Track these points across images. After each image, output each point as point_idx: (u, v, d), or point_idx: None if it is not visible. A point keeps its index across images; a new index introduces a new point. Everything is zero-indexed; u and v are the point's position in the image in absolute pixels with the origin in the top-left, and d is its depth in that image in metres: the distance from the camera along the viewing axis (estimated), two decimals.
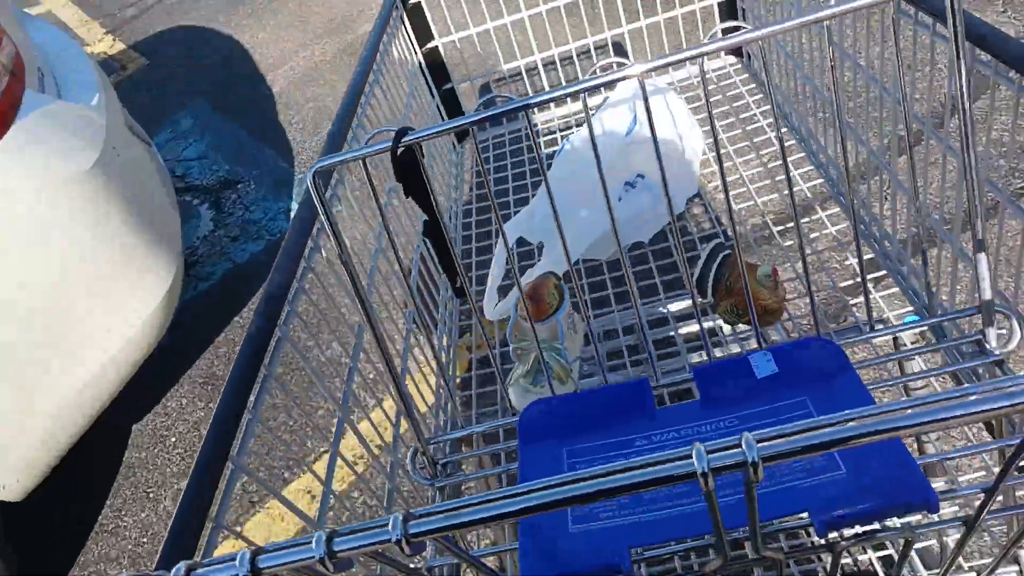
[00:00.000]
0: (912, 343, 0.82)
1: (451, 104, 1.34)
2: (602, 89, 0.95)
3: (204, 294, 2.34)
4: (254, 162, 2.79)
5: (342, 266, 0.60)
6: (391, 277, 0.81)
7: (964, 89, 0.53)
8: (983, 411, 0.26)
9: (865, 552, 0.84)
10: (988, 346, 0.62)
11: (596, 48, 2.46)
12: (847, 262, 1.59)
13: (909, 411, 0.27)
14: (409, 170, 0.61)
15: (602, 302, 0.99)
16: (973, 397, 0.26)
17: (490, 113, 0.58)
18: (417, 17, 1.23)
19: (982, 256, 0.59)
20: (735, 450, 0.27)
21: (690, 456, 0.27)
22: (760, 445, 0.27)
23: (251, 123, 3.00)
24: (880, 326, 0.69)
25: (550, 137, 1.31)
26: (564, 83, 0.66)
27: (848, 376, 0.56)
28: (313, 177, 0.59)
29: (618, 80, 0.56)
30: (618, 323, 0.97)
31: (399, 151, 0.59)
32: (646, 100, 0.60)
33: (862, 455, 0.50)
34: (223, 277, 2.38)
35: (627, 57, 1.22)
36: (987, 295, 0.60)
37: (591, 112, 0.73)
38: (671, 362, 0.90)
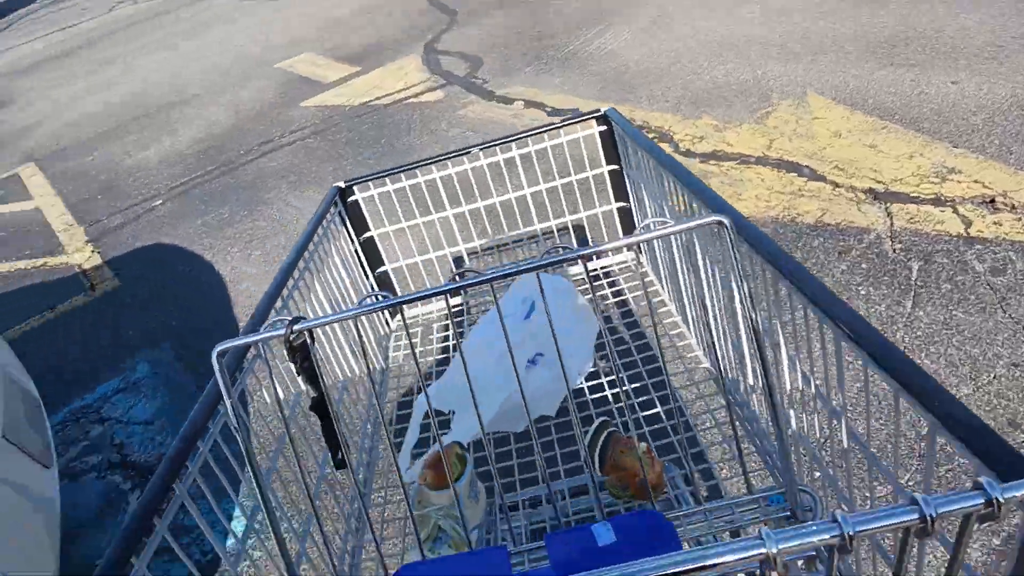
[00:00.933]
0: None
1: (385, 285, 1.54)
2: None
3: None
4: None
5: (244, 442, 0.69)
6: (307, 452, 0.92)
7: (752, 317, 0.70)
8: (738, 559, 0.37)
9: None
10: (792, 520, 0.78)
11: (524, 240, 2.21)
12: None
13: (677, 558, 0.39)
14: (301, 354, 0.71)
15: (507, 471, 1.07)
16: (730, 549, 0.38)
17: (374, 307, 0.69)
18: (354, 211, 1.45)
19: (783, 443, 0.74)
20: None
21: None
22: None
23: None
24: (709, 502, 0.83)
25: (462, 318, 1.54)
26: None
27: (673, 547, 0.66)
28: (217, 357, 0.68)
29: (472, 285, 0.68)
30: (519, 497, 1.05)
31: (292, 337, 0.69)
32: (543, 291, 0.77)
33: None
34: None
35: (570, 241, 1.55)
36: (788, 476, 0.75)
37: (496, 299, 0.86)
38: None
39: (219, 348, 0.68)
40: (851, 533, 0.36)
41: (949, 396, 0.52)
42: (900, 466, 1.67)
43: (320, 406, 0.76)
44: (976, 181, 2.59)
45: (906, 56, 3.50)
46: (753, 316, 0.70)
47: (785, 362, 0.83)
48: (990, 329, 2.02)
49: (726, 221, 0.67)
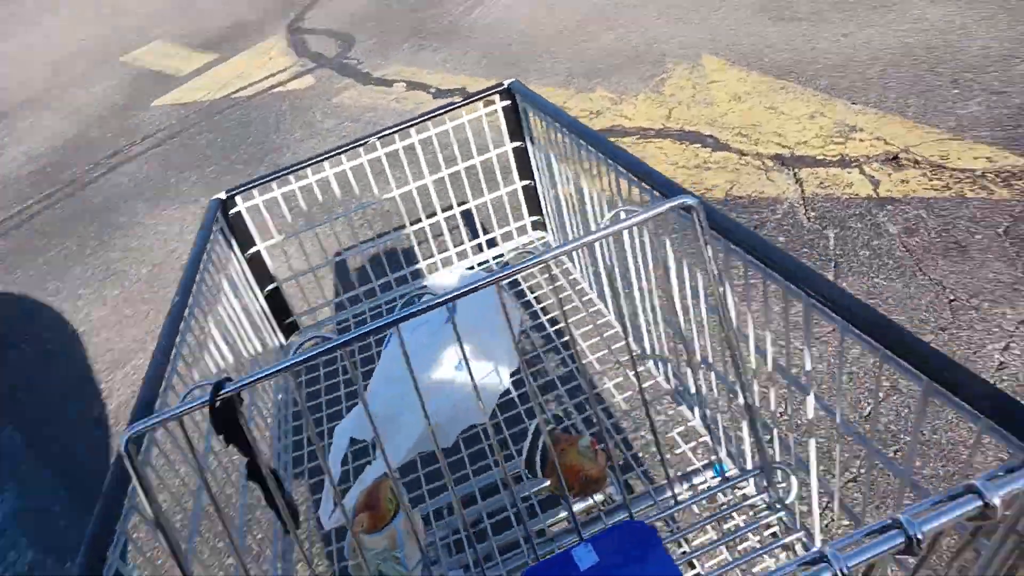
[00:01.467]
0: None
1: (277, 304, 1.38)
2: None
3: None
4: (66, 554, 1.95)
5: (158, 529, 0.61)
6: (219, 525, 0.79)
7: (715, 271, 0.68)
8: None
9: None
10: (770, 500, 0.78)
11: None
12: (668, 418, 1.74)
13: None
14: (229, 421, 0.62)
15: (414, 484, 1.06)
16: None
17: (306, 357, 0.60)
18: (238, 224, 1.29)
19: (755, 425, 0.74)
20: None
21: None
22: None
23: (74, 471, 2.19)
24: (682, 490, 0.89)
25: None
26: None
27: (659, 556, 0.64)
28: (126, 444, 0.59)
29: (425, 310, 0.63)
30: (428, 508, 1.02)
31: (217, 403, 0.60)
32: (456, 328, 0.78)
33: None
34: None
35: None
36: (763, 457, 0.76)
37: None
38: (510, 556, 0.90)
39: (129, 433, 0.59)
40: (918, 536, 0.36)
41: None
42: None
43: (256, 474, 0.67)
44: (878, 138, 2.52)
45: (795, 10, 3.41)
46: (723, 292, 0.69)
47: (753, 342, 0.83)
48: (912, 294, 1.95)
49: (694, 204, 0.66)
